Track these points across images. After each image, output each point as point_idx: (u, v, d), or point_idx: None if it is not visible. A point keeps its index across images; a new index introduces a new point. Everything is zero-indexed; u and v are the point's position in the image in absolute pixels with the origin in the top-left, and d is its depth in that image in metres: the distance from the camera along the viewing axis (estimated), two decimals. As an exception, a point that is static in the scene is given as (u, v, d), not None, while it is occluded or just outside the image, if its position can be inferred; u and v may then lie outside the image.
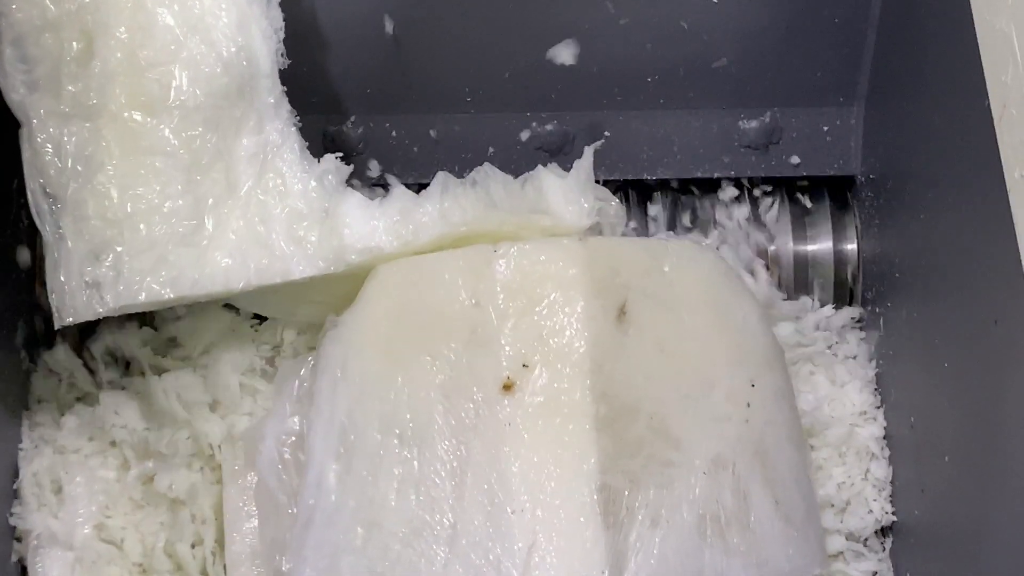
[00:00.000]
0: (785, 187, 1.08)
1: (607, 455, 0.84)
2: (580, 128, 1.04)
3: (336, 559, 0.84)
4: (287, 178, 0.91)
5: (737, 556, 0.85)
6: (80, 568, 0.95)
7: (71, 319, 0.87)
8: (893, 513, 0.98)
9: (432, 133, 1.04)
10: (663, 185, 1.08)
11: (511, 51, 1.01)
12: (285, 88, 0.92)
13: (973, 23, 0.80)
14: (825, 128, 1.05)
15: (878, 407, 1.01)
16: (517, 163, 1.01)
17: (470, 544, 0.83)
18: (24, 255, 1.01)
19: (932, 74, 0.89)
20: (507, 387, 0.86)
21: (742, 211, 1.07)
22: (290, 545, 0.87)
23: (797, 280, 1.06)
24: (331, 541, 0.84)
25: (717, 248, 1.05)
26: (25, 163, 0.89)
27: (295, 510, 0.88)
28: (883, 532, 0.99)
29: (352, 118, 1.04)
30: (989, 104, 0.78)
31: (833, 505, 0.98)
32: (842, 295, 1.06)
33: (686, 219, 1.07)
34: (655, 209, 1.07)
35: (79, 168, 0.87)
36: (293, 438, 0.91)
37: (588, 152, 0.96)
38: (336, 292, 0.94)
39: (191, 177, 0.88)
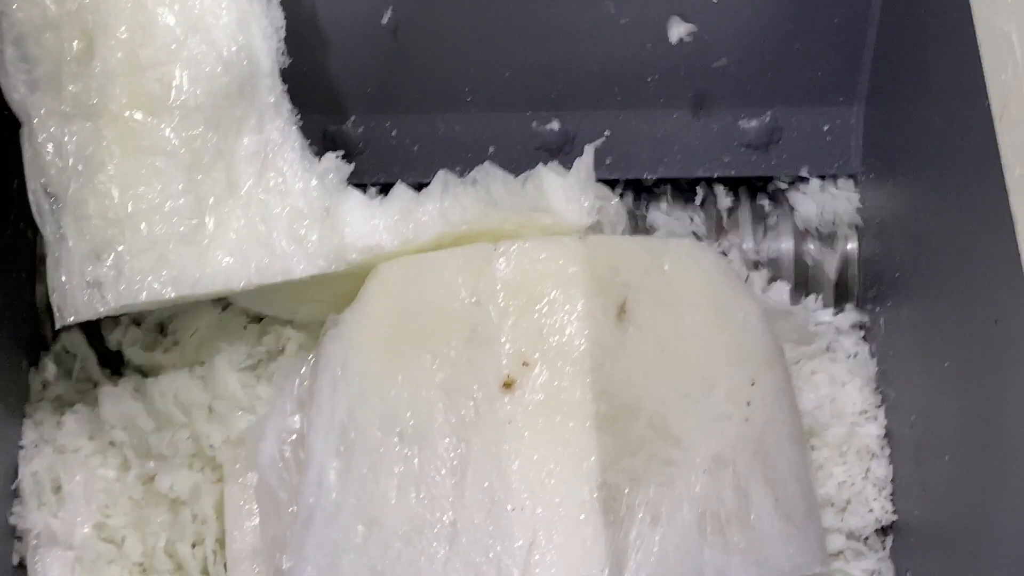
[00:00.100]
0: (785, 187, 1.08)
1: (607, 453, 0.84)
2: (580, 128, 1.04)
3: (337, 557, 0.84)
4: (288, 177, 0.91)
5: (737, 554, 0.85)
6: (80, 567, 0.95)
7: (72, 318, 0.87)
8: (894, 512, 0.98)
9: (432, 133, 1.04)
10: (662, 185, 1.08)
11: (511, 51, 1.01)
12: (285, 87, 0.92)
13: (973, 23, 0.80)
14: (825, 128, 1.05)
15: (878, 406, 1.01)
16: (517, 163, 1.01)
17: (470, 542, 0.83)
18: (24, 255, 1.01)
19: (932, 74, 0.89)
20: (507, 385, 0.86)
21: (742, 211, 1.07)
22: (291, 543, 0.87)
23: (797, 280, 1.06)
24: (332, 539, 0.85)
25: (721, 249, 1.05)
26: (26, 163, 0.89)
27: (296, 508, 0.88)
28: (883, 531, 0.99)
29: (352, 118, 1.04)
30: (989, 104, 0.78)
31: (833, 504, 0.98)
32: (842, 295, 1.06)
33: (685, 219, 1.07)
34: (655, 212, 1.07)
35: (80, 167, 0.87)
36: (294, 436, 0.91)
37: (589, 150, 0.96)
38: (337, 291, 0.94)
39: (192, 176, 0.88)
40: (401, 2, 0.99)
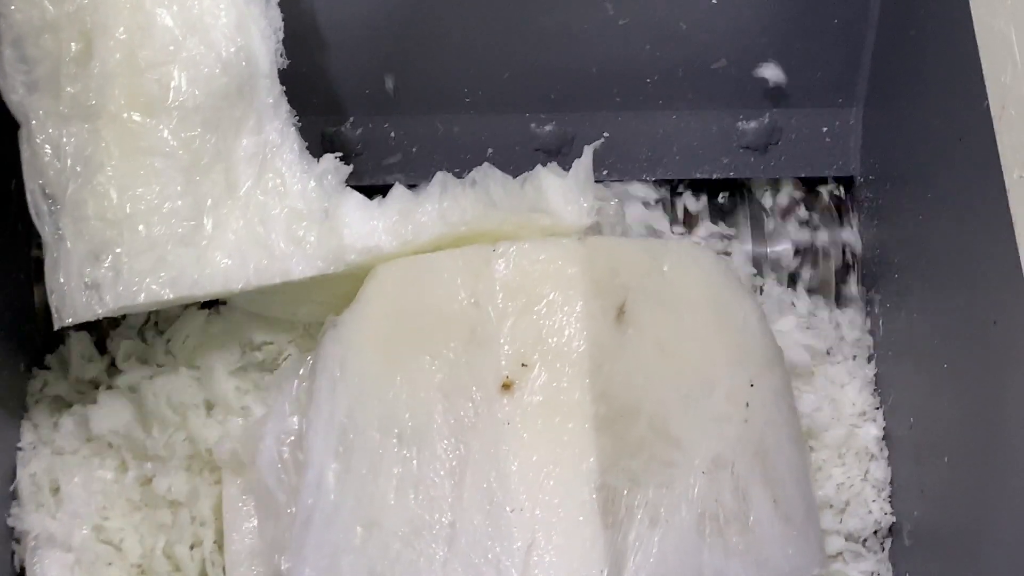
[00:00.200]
0: (784, 187, 1.08)
1: (606, 455, 0.84)
2: (580, 128, 1.04)
3: (336, 558, 0.84)
4: (286, 178, 0.91)
5: (736, 556, 0.85)
6: (79, 569, 0.94)
7: (71, 320, 0.87)
8: (892, 514, 0.98)
9: (431, 133, 1.04)
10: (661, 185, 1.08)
11: (511, 51, 1.01)
12: (284, 88, 0.92)
13: (972, 24, 0.80)
14: (825, 128, 1.05)
15: (877, 408, 1.01)
16: (516, 163, 1.01)
17: (469, 543, 0.83)
18: (23, 256, 1.01)
19: (932, 75, 0.89)
20: (506, 386, 0.86)
21: (741, 212, 1.07)
22: (289, 544, 0.87)
23: (797, 281, 1.06)
24: (330, 540, 0.84)
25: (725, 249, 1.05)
26: (24, 164, 0.89)
27: (294, 509, 0.88)
28: (882, 532, 0.99)
29: (351, 118, 1.04)
30: (988, 105, 0.78)
31: (832, 506, 0.98)
32: (842, 295, 1.06)
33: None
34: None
35: (78, 169, 0.87)
36: (292, 437, 0.91)
37: (588, 151, 0.96)
38: (336, 292, 0.94)
39: (190, 177, 0.88)
40: (401, 4, 0.99)
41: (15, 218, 0.99)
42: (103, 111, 0.87)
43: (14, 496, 0.97)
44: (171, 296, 0.87)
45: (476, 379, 0.86)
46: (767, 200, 1.07)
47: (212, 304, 1.00)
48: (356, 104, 1.03)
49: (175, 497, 0.95)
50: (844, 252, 1.06)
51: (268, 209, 0.90)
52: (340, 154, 0.94)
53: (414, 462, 0.85)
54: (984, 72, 0.78)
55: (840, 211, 1.07)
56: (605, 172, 1.03)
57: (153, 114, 0.88)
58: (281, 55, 0.92)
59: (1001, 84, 0.77)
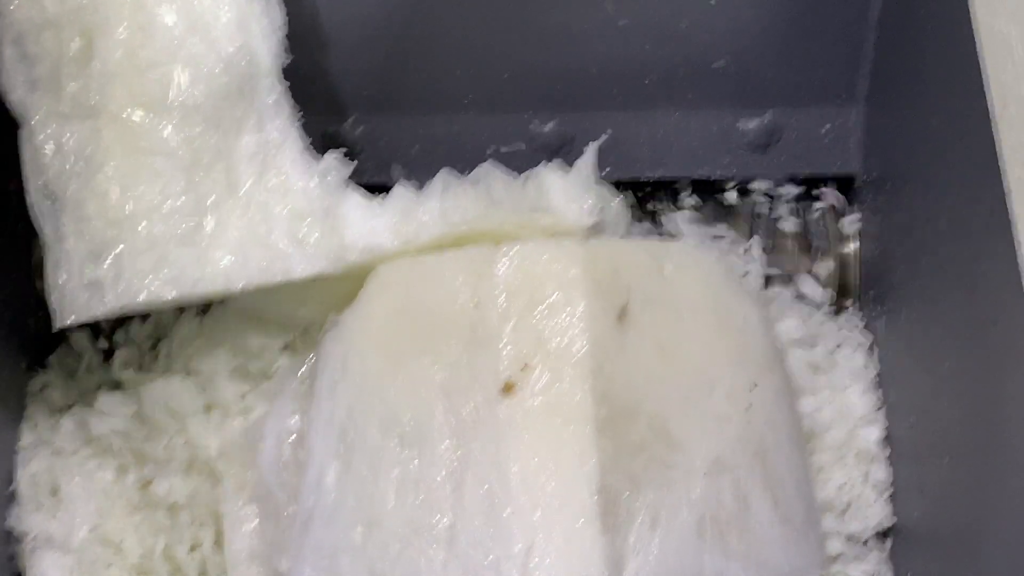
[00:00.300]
0: (784, 188, 1.08)
1: (607, 456, 0.84)
2: (580, 128, 1.04)
3: (336, 558, 0.84)
4: (288, 177, 0.91)
5: (736, 558, 0.85)
6: (78, 570, 0.94)
7: (71, 319, 0.87)
8: (893, 515, 0.98)
9: (431, 133, 1.04)
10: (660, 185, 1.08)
11: (511, 51, 1.01)
12: (286, 86, 0.92)
13: (973, 24, 0.80)
14: (825, 128, 1.05)
15: (878, 409, 1.01)
16: (517, 164, 1.01)
17: (469, 544, 0.83)
18: (23, 255, 1.01)
19: (932, 74, 0.89)
20: (507, 387, 0.86)
21: (740, 212, 1.07)
22: (290, 544, 0.87)
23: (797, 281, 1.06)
24: (331, 540, 0.84)
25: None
26: (25, 163, 0.89)
27: (295, 509, 0.88)
28: (883, 534, 0.99)
29: (352, 118, 1.04)
30: (989, 104, 0.78)
31: (833, 507, 0.98)
32: (842, 296, 1.06)
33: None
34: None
35: (79, 168, 0.87)
36: (293, 437, 0.91)
37: (590, 150, 0.96)
38: (337, 291, 0.94)
39: (192, 176, 0.88)
40: (401, 3, 0.99)
41: (15, 218, 0.98)
42: (104, 110, 0.87)
43: (13, 497, 0.97)
44: (172, 295, 0.87)
45: (477, 380, 0.86)
46: (767, 200, 1.07)
47: (205, 308, 1.00)
48: (357, 103, 1.03)
49: (175, 499, 0.95)
50: (844, 252, 1.06)
51: (269, 208, 0.90)
52: (344, 149, 0.94)
53: (414, 463, 0.85)
54: (985, 71, 0.78)
55: (840, 211, 1.07)
56: (606, 171, 1.03)
57: (154, 113, 0.88)
58: (283, 53, 0.92)
59: (1002, 84, 0.77)
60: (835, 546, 0.97)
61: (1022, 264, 0.74)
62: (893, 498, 0.98)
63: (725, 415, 0.87)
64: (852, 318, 1.05)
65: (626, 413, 0.85)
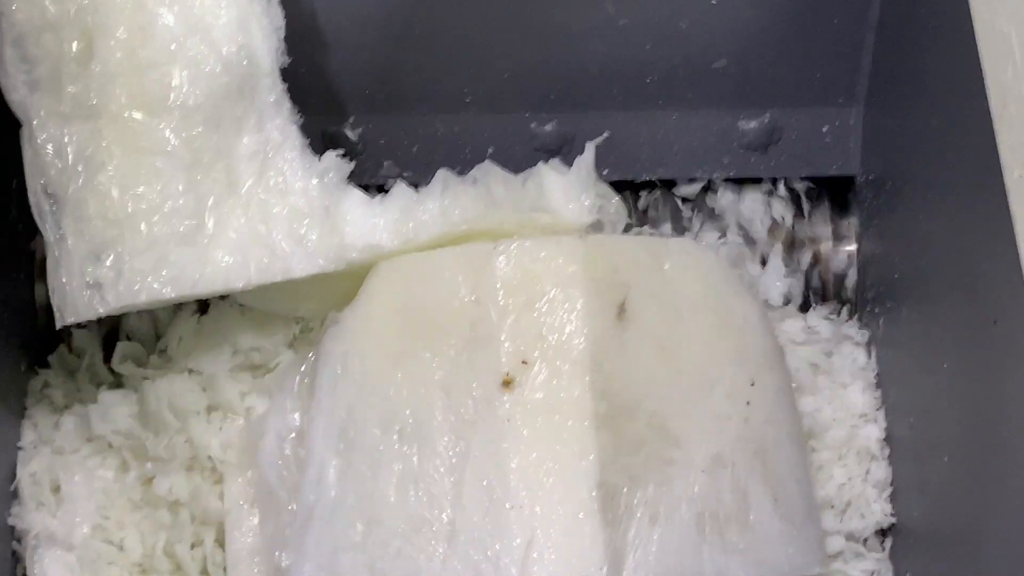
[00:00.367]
0: (784, 188, 1.08)
1: (606, 452, 0.84)
2: (580, 128, 1.04)
3: (336, 555, 0.84)
4: (288, 176, 0.91)
5: (736, 554, 0.85)
6: (80, 568, 0.94)
7: (72, 319, 0.87)
8: (893, 514, 0.98)
9: (431, 133, 1.04)
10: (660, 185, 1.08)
11: (510, 51, 1.01)
12: (285, 86, 0.92)
13: (973, 23, 0.80)
14: (825, 128, 1.05)
15: (878, 408, 1.01)
16: (516, 163, 1.01)
17: (469, 540, 0.83)
18: (24, 255, 1.01)
19: (932, 74, 0.89)
20: (507, 384, 0.86)
21: (742, 212, 1.07)
22: (290, 541, 0.87)
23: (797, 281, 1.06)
24: (331, 537, 0.85)
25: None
26: (26, 163, 0.89)
27: (295, 506, 0.88)
28: (883, 532, 0.99)
29: (352, 118, 1.04)
30: (988, 104, 0.78)
31: (833, 506, 0.98)
32: (842, 295, 1.06)
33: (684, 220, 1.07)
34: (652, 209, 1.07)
35: (80, 168, 0.87)
36: (293, 434, 0.91)
37: (590, 149, 0.96)
38: (337, 289, 0.94)
39: (192, 176, 0.88)
40: (401, 3, 0.99)
41: (16, 218, 0.99)
42: (104, 110, 0.87)
43: (15, 495, 0.97)
44: (172, 295, 0.87)
45: (477, 376, 0.86)
46: (766, 199, 1.07)
47: (204, 306, 1.00)
48: (357, 103, 1.03)
49: (176, 497, 0.95)
50: (844, 252, 1.06)
51: (270, 207, 0.90)
52: (342, 151, 0.94)
53: (414, 459, 0.85)
54: (984, 71, 0.78)
55: (840, 210, 1.07)
56: (605, 171, 1.03)
57: (154, 113, 0.88)
58: (282, 53, 0.92)
59: (1001, 83, 0.77)
60: (835, 544, 0.97)
61: (1022, 264, 0.74)
62: (893, 497, 0.98)
63: (725, 413, 0.87)
64: (852, 317, 1.05)
65: (625, 409, 0.86)
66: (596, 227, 0.95)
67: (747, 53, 1.02)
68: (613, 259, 0.89)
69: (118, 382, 1.00)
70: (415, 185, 0.97)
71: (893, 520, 0.98)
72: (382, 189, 0.99)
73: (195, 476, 0.95)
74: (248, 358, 0.98)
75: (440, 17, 0.99)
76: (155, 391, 0.96)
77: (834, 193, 1.07)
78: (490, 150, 1.04)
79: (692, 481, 0.85)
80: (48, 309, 0.91)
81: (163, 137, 0.88)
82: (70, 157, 0.87)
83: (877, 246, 1.02)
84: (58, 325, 0.88)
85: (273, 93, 0.91)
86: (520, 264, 0.89)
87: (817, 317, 1.05)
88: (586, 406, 0.85)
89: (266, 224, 0.90)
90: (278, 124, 0.92)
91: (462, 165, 1.01)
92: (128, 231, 0.87)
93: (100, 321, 0.96)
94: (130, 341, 1.01)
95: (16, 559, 0.96)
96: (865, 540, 0.98)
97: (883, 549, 0.98)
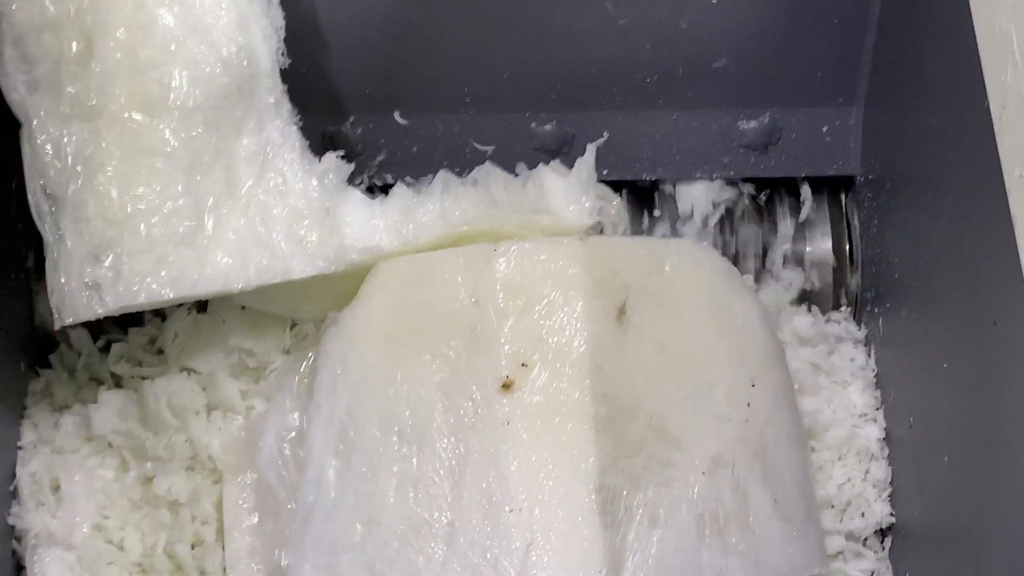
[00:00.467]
0: (784, 188, 1.08)
1: (606, 455, 0.84)
2: (580, 128, 1.04)
3: (335, 556, 0.84)
4: (288, 177, 0.91)
5: (736, 555, 0.85)
6: (80, 567, 0.94)
7: (71, 319, 0.87)
8: (892, 514, 0.98)
9: (431, 133, 1.04)
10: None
11: (511, 51, 1.01)
12: (285, 87, 0.92)
13: (973, 23, 0.80)
14: (825, 128, 1.05)
15: (878, 408, 1.01)
16: (517, 163, 1.01)
17: (468, 542, 0.83)
18: (23, 256, 1.01)
19: (932, 74, 0.89)
20: (506, 386, 0.86)
21: (740, 212, 1.07)
22: (289, 541, 0.87)
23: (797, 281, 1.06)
24: (330, 538, 0.85)
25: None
26: (25, 163, 0.89)
27: (295, 506, 0.88)
28: (882, 532, 0.99)
29: (352, 118, 1.04)
30: (988, 104, 0.78)
31: (833, 506, 0.98)
32: (842, 295, 1.06)
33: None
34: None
35: (79, 168, 0.87)
36: (293, 434, 0.91)
37: (590, 150, 0.96)
38: (337, 290, 0.94)
39: (191, 177, 0.88)
40: (401, 3, 0.99)
41: (15, 218, 0.99)
42: (104, 111, 0.87)
43: (14, 495, 0.97)
44: (171, 296, 0.87)
45: (476, 378, 0.86)
46: (766, 199, 1.07)
47: (202, 305, 1.00)
48: (356, 104, 1.03)
49: (176, 497, 0.95)
50: (844, 252, 1.06)
51: (269, 208, 0.90)
52: (341, 153, 0.94)
53: (414, 460, 0.85)
54: (984, 71, 0.78)
55: (840, 210, 1.07)
56: (605, 171, 1.03)
57: (154, 114, 0.88)
58: (282, 54, 0.92)
59: (1001, 83, 0.77)
60: (835, 544, 0.97)
61: (1022, 264, 0.74)
62: (893, 497, 0.98)
63: (725, 414, 0.87)
64: (851, 317, 1.05)
65: (625, 412, 0.86)
66: (596, 228, 0.95)
67: (747, 53, 1.02)
68: (613, 261, 0.89)
69: (118, 382, 1.00)
70: (415, 186, 0.97)
71: (893, 520, 0.98)
72: (383, 189, 0.99)
73: (195, 476, 0.95)
74: (248, 357, 0.98)
75: (440, 17, 0.99)
76: (154, 390, 0.96)
77: (834, 193, 1.07)
78: (490, 150, 1.04)
79: (692, 482, 0.85)
80: (48, 309, 0.90)
81: (162, 138, 0.88)
82: (69, 157, 0.87)
83: (877, 246, 1.02)
84: (56, 326, 0.88)
85: (273, 94, 0.91)
86: (520, 266, 0.89)
87: (817, 317, 1.04)
88: (586, 409, 0.85)
89: (266, 225, 0.90)
90: (278, 125, 0.92)
91: (462, 165, 1.01)
92: (127, 232, 0.87)
93: (99, 321, 0.96)
94: (125, 344, 1.01)
95: (16, 559, 0.96)
96: (865, 540, 0.98)
97: (883, 549, 0.98)
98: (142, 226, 0.87)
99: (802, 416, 0.96)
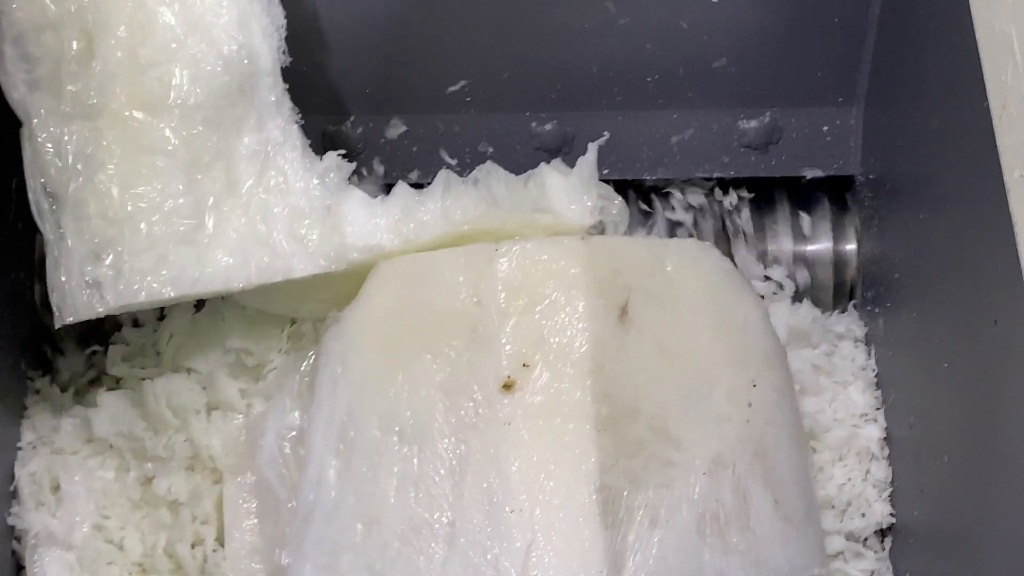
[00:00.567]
0: (784, 187, 1.08)
1: (607, 455, 0.84)
2: (580, 127, 1.04)
3: (335, 556, 0.84)
4: (289, 176, 0.91)
5: (736, 556, 0.85)
6: (79, 568, 0.94)
7: (71, 318, 0.87)
8: (892, 514, 0.98)
9: (431, 133, 1.04)
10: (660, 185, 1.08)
11: (511, 50, 1.01)
12: (286, 86, 0.92)
13: (973, 23, 0.80)
14: (825, 128, 1.05)
15: (878, 408, 1.01)
16: (516, 163, 1.01)
17: (469, 543, 0.83)
18: (24, 255, 1.01)
19: (932, 74, 0.89)
20: (507, 386, 0.86)
21: (741, 212, 1.07)
22: (290, 540, 0.87)
23: (797, 281, 1.06)
24: (330, 537, 0.84)
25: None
26: (26, 162, 0.89)
27: (295, 505, 0.88)
28: (883, 532, 0.99)
29: (352, 118, 1.04)
30: (988, 104, 0.78)
31: (834, 506, 0.98)
32: (842, 295, 1.06)
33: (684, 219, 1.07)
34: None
35: (80, 167, 0.87)
36: (293, 433, 0.91)
37: (592, 149, 0.96)
38: (338, 289, 0.94)
39: (192, 176, 0.88)
40: (401, 3, 0.99)
41: (16, 217, 0.99)
42: (104, 109, 0.87)
43: (14, 495, 0.97)
44: (172, 295, 0.87)
45: (477, 378, 0.86)
46: (766, 199, 1.08)
47: (200, 304, 1.00)
48: (357, 103, 1.03)
49: (176, 497, 0.95)
50: (844, 252, 1.06)
51: (270, 207, 0.90)
52: (342, 152, 0.94)
53: (414, 460, 0.85)
54: (984, 71, 0.78)
55: (840, 210, 1.07)
56: (606, 171, 1.03)
57: (154, 112, 0.88)
58: (283, 53, 0.92)
59: (1001, 83, 0.77)
60: (835, 544, 0.97)
61: (1022, 264, 0.74)
62: (893, 497, 0.98)
63: (725, 414, 0.87)
64: (852, 317, 1.05)
65: (626, 412, 0.85)
66: (597, 228, 0.95)
67: (747, 53, 1.02)
68: (615, 261, 0.89)
69: (117, 381, 1.00)
70: (415, 186, 0.97)
71: (893, 520, 0.98)
72: (383, 189, 0.99)
73: (195, 476, 0.95)
74: (248, 356, 0.98)
75: (440, 17, 0.99)
76: (154, 390, 0.96)
77: (834, 193, 1.07)
78: (490, 150, 1.04)
79: (692, 483, 0.85)
80: (48, 308, 0.90)
81: (163, 136, 0.88)
82: (70, 156, 0.87)
83: (877, 246, 1.02)
84: (57, 324, 0.88)
85: (274, 93, 0.91)
86: (521, 266, 0.88)
87: (817, 317, 1.04)
88: (587, 409, 0.85)
89: (266, 224, 0.90)
90: (279, 124, 0.92)
91: (462, 165, 1.01)
92: (128, 230, 0.87)
93: (99, 321, 0.96)
94: (124, 344, 1.00)
95: (16, 559, 0.96)
96: (865, 540, 0.98)
97: (883, 549, 0.98)
98: (143, 225, 0.87)
99: (803, 416, 0.96)
